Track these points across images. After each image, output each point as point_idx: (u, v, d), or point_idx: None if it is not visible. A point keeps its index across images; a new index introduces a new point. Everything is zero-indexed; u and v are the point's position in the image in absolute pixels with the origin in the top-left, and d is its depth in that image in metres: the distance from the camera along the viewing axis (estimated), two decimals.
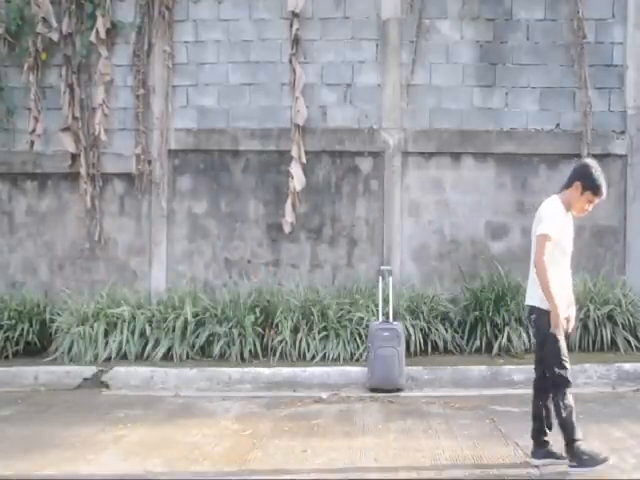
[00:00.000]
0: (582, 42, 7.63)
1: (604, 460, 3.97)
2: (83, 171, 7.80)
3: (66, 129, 7.83)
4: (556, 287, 3.99)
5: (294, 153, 7.64)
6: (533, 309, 4.16)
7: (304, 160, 7.67)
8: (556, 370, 4.03)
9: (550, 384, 4.10)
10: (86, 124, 7.87)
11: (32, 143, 7.91)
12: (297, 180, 7.64)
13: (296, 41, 7.70)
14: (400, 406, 5.69)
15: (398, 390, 6.12)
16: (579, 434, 4.05)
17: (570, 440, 4.03)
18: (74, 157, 7.86)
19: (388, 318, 6.52)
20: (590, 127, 7.64)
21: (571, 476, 3.99)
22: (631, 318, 7.05)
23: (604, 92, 7.75)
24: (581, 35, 7.63)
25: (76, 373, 6.52)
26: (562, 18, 7.77)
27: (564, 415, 4.01)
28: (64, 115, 7.81)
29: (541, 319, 4.09)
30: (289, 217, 7.67)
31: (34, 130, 7.86)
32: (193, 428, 5.06)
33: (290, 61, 7.73)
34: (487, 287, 7.25)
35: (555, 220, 4.06)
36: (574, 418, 4.04)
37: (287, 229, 7.72)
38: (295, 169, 7.64)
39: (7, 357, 7.16)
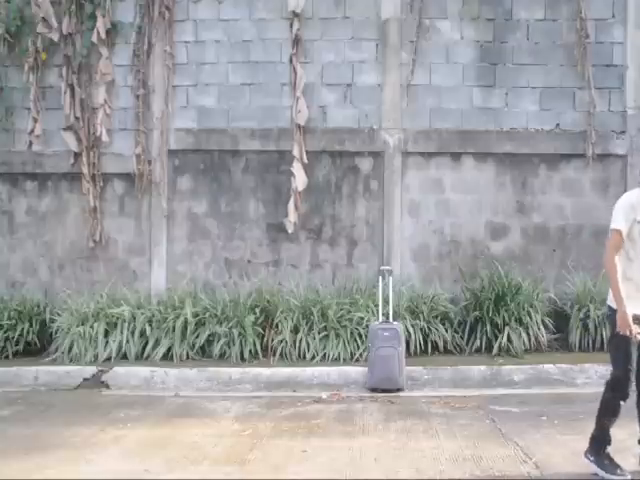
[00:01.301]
0: (585, 42, 7.63)
1: (622, 475, 3.89)
2: (85, 170, 7.80)
3: (68, 128, 7.83)
4: (629, 286, 3.81)
5: (296, 153, 7.63)
6: (609, 307, 4.02)
7: (306, 160, 7.67)
8: (620, 374, 3.89)
9: (607, 382, 4.01)
10: (87, 124, 7.86)
11: (30, 143, 7.92)
12: (299, 180, 7.63)
13: (297, 41, 7.70)
14: (400, 406, 5.69)
15: (398, 390, 6.12)
16: (610, 441, 3.97)
17: (599, 440, 3.97)
18: (76, 156, 7.86)
19: (388, 318, 6.52)
20: (593, 127, 7.64)
21: (572, 476, 3.99)
22: None
23: (604, 92, 7.75)
24: (584, 35, 7.63)
25: (76, 373, 6.52)
26: (562, 18, 7.77)
27: (605, 419, 3.94)
28: (66, 115, 7.81)
29: (610, 318, 3.97)
30: (292, 217, 7.66)
31: (33, 130, 7.86)
32: (193, 428, 5.06)
33: (291, 61, 7.73)
34: (487, 287, 7.24)
35: (621, 213, 3.84)
36: (611, 425, 3.96)
37: (290, 229, 7.70)
38: (297, 169, 7.64)
39: (7, 357, 7.17)
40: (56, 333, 7.16)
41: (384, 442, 4.68)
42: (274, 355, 6.86)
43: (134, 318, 7.02)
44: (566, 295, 7.43)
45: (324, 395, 6.03)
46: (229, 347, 6.87)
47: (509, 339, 6.92)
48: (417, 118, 7.80)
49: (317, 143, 7.77)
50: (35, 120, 7.86)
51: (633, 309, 3.82)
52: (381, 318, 6.49)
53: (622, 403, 3.89)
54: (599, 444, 3.98)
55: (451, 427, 5.01)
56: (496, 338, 6.96)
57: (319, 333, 6.90)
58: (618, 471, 3.92)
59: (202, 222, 7.94)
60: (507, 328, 6.94)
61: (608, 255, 3.85)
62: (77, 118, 7.84)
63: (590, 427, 4.82)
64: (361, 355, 6.74)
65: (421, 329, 6.96)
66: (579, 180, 7.81)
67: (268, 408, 5.64)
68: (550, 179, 7.82)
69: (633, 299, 3.82)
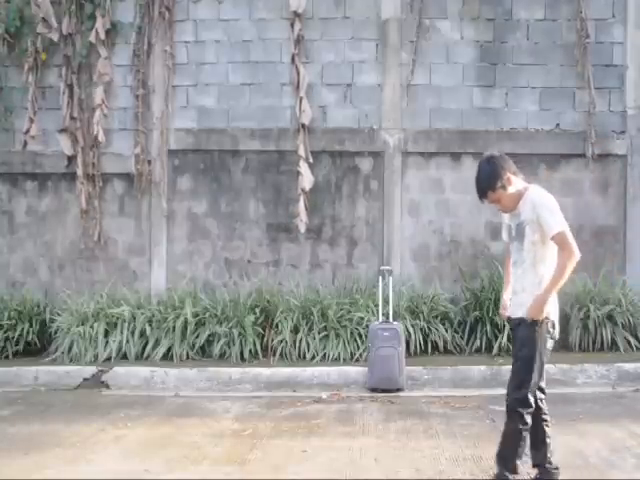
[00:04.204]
0: (585, 42, 7.63)
1: None
2: (80, 172, 7.80)
3: (63, 130, 7.83)
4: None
5: (301, 152, 7.62)
6: None
7: (311, 159, 7.66)
8: None
9: None
10: (86, 124, 7.86)
11: (25, 143, 7.90)
12: (306, 179, 7.62)
13: (299, 41, 7.70)
14: (400, 406, 5.69)
15: (398, 390, 6.12)
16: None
17: None
18: (70, 158, 7.86)
19: (388, 318, 6.52)
20: (594, 127, 7.64)
21: (572, 476, 3.98)
22: (631, 318, 7.05)
23: (604, 92, 7.75)
24: (584, 35, 7.63)
25: (76, 373, 6.51)
26: (562, 18, 7.77)
27: None
28: (63, 115, 7.81)
29: None
30: (303, 216, 7.62)
31: (28, 130, 7.84)
32: (193, 428, 5.06)
33: (293, 61, 7.71)
34: (487, 287, 7.24)
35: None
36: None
37: (302, 229, 7.65)
38: (304, 168, 7.63)
39: (7, 357, 7.16)
40: (56, 333, 7.16)
41: (384, 442, 4.67)
42: (274, 355, 6.86)
43: (134, 318, 7.02)
44: (566, 295, 7.41)
45: (324, 395, 6.03)
46: (229, 347, 6.87)
47: (509, 339, 6.91)
48: (417, 118, 7.80)
49: (317, 143, 7.77)
50: (31, 120, 7.84)
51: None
52: (381, 318, 6.49)
53: None
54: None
55: (451, 427, 5.01)
56: (496, 338, 6.96)
57: (319, 333, 6.90)
58: None
59: (202, 222, 7.94)
60: (507, 328, 6.93)
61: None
62: (74, 118, 7.83)
63: (590, 427, 4.85)
64: (361, 355, 6.74)
65: (421, 329, 6.96)
66: (579, 180, 7.81)
67: (268, 408, 5.64)
68: (550, 179, 7.80)
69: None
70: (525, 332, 3.61)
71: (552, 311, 3.63)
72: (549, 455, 3.69)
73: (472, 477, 4.00)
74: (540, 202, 3.65)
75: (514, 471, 3.58)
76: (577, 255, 3.60)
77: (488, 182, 3.72)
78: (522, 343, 3.64)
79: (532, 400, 3.57)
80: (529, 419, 3.56)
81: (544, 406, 3.71)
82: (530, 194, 3.69)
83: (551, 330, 3.62)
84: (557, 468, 3.71)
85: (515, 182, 3.72)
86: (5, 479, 4.04)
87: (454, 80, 7.79)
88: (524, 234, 3.66)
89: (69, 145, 7.84)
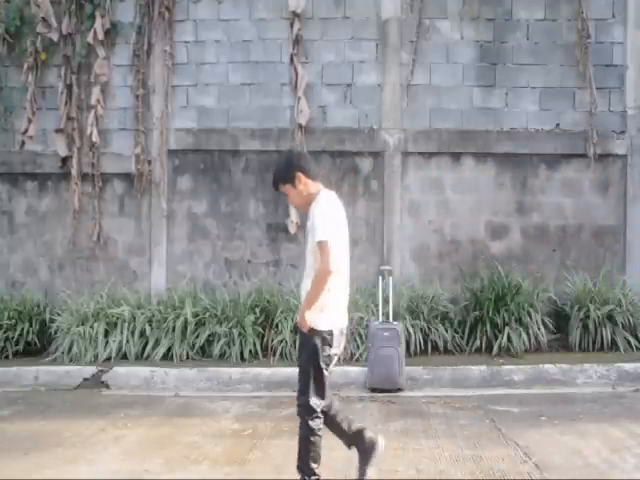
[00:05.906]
0: (586, 42, 7.63)
1: None
2: (74, 172, 7.80)
3: (59, 130, 7.83)
4: None
5: None
6: None
7: None
8: None
9: None
10: (85, 124, 7.85)
11: (23, 143, 7.90)
12: None
13: (297, 41, 7.70)
14: (400, 406, 5.69)
15: (398, 390, 6.12)
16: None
17: None
18: (64, 159, 7.87)
19: (388, 318, 6.52)
20: (595, 127, 7.64)
21: (572, 476, 3.98)
22: (631, 318, 7.05)
23: (604, 92, 7.75)
24: (585, 35, 7.63)
25: (76, 373, 6.52)
26: (562, 18, 7.77)
27: None
28: (61, 116, 7.81)
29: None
30: (294, 217, 7.64)
31: (26, 131, 7.84)
32: (193, 428, 5.06)
33: (291, 61, 7.72)
34: (487, 287, 7.24)
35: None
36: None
37: (292, 230, 7.68)
38: None
39: (7, 357, 7.16)
40: (56, 333, 7.16)
41: (384, 442, 4.66)
42: (274, 355, 6.86)
43: (134, 318, 7.02)
44: (566, 295, 7.43)
45: None
46: (229, 347, 6.87)
47: (509, 339, 6.92)
48: (417, 118, 7.80)
49: (317, 143, 7.77)
50: (29, 120, 7.84)
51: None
52: (381, 318, 6.49)
53: None
54: None
55: (451, 427, 5.01)
56: (496, 338, 6.96)
57: None
58: None
59: (202, 222, 7.94)
60: (507, 328, 6.94)
61: None
62: (71, 119, 7.82)
63: (590, 427, 4.85)
64: (361, 355, 6.74)
65: (421, 329, 6.96)
66: (579, 180, 7.81)
67: (268, 408, 5.64)
68: (550, 179, 7.82)
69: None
70: (301, 340, 3.66)
71: (325, 321, 3.60)
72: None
73: (472, 477, 4.00)
74: (317, 209, 3.65)
75: (313, 474, 3.66)
76: (329, 270, 3.51)
77: (279, 174, 3.80)
78: (300, 351, 3.73)
79: (316, 407, 3.60)
80: (315, 425, 3.60)
81: (335, 410, 3.77)
82: (316, 201, 3.70)
83: (327, 337, 3.60)
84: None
85: (307, 184, 3.74)
86: (5, 479, 4.04)
87: (454, 80, 7.79)
88: (307, 239, 3.72)
89: (64, 146, 7.84)
